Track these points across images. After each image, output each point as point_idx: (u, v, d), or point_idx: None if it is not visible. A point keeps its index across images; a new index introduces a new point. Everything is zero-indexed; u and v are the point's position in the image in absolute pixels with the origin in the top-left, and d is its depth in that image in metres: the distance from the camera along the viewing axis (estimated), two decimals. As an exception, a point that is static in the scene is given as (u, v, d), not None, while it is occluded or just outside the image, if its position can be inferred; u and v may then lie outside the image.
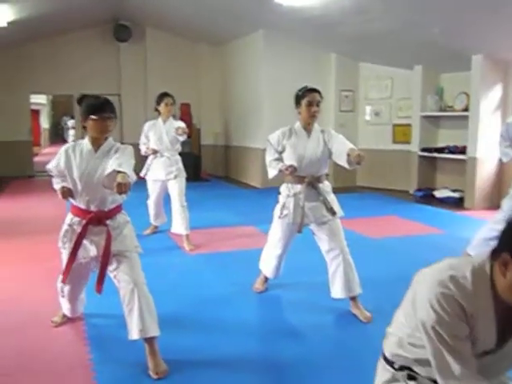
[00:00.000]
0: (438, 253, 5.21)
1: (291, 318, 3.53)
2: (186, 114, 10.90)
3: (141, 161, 5.65)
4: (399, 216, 7.00)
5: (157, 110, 5.43)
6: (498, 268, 1.49)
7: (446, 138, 8.61)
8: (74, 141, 3.18)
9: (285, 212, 3.55)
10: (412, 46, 7.79)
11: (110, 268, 2.83)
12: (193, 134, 11.15)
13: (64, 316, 3.30)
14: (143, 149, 5.50)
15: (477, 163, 7.55)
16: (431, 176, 8.85)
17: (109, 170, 2.56)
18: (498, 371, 1.70)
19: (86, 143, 2.83)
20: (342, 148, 3.31)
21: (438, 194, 8.42)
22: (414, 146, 8.78)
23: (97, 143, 2.82)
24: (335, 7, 6.98)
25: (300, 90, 3.52)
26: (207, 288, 4.04)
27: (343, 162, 3.30)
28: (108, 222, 2.83)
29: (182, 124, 5.37)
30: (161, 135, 5.38)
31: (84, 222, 2.82)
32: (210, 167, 11.77)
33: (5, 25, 7.89)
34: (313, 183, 3.50)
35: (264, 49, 9.53)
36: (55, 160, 2.87)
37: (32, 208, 7.58)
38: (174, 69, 11.43)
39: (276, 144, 3.63)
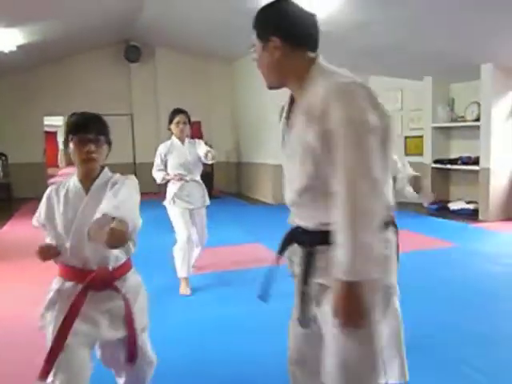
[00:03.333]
0: (448, 267, 5.11)
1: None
2: (196, 132, 10.92)
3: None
4: (411, 230, 6.83)
5: (169, 129, 4.63)
6: None
7: (458, 148, 8.46)
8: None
9: None
10: (420, 57, 7.68)
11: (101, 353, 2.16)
12: (204, 151, 11.17)
13: None
14: (160, 176, 4.55)
15: (490, 174, 7.38)
16: (445, 188, 8.68)
17: (97, 214, 1.81)
18: None
19: (73, 181, 2.07)
20: None
21: (452, 206, 8.24)
22: (427, 158, 8.63)
23: (88, 178, 2.05)
24: (337, 22, 6.91)
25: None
26: (196, 311, 3.97)
27: None
28: (116, 284, 2.06)
29: (208, 148, 4.59)
30: (186, 159, 4.56)
31: (81, 286, 1.98)
32: (223, 184, 11.75)
33: (14, 49, 8.01)
34: None
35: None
36: (38, 210, 2.12)
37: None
38: (184, 87, 11.49)
39: None
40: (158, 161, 4.57)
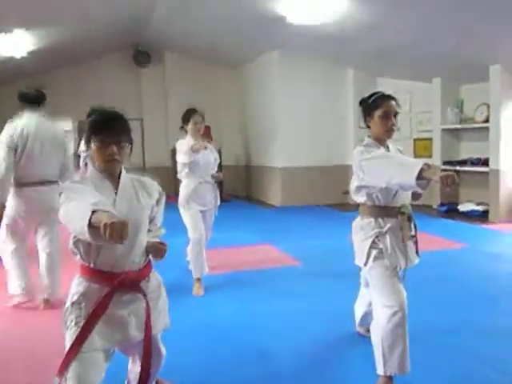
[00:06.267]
0: (459, 267, 5.11)
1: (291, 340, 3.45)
2: (206, 137, 10.97)
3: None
4: (421, 231, 6.82)
5: (183, 128, 4.55)
6: None
7: (468, 150, 8.46)
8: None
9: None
10: (429, 59, 7.70)
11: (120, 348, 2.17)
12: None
13: None
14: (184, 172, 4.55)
15: (500, 175, 7.38)
16: (455, 190, 8.66)
17: (154, 239, 2.12)
18: None
19: (95, 175, 2.02)
20: None
21: (462, 207, 8.24)
22: (436, 160, 8.63)
23: (111, 175, 2.03)
24: (347, 24, 6.96)
25: (369, 98, 2.70)
26: (209, 311, 3.99)
27: None
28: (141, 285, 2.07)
29: (217, 171, 4.76)
30: (209, 158, 4.59)
31: (107, 288, 1.95)
32: (232, 188, 11.78)
33: (25, 54, 8.10)
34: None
35: (279, 68, 9.58)
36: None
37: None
38: (193, 92, 11.54)
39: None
40: (185, 156, 4.37)
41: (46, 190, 3.92)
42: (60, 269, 4.10)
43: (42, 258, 4.05)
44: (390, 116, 2.60)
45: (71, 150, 4.79)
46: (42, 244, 4.06)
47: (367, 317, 3.09)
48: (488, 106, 7.67)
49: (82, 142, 8.25)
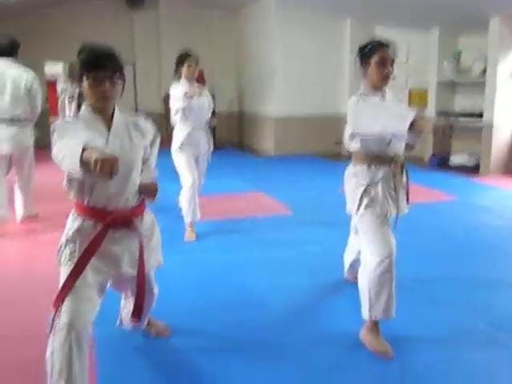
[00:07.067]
0: (449, 219, 5.19)
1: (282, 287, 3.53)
2: (200, 80, 10.79)
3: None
4: (412, 183, 6.87)
5: (177, 72, 4.47)
6: None
7: (462, 103, 8.43)
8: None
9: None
10: (428, 7, 7.53)
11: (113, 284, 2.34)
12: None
13: None
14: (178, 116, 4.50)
15: (493, 129, 7.38)
16: (447, 142, 8.68)
17: (147, 180, 2.13)
18: None
19: (87, 113, 2.00)
20: None
21: (453, 160, 8.27)
22: (430, 112, 8.59)
23: (103, 113, 2.01)
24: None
25: (367, 45, 2.67)
26: (200, 257, 4.04)
27: None
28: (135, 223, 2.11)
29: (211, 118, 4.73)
30: (203, 103, 4.54)
31: (101, 224, 1.99)
32: (225, 134, 11.70)
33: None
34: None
35: (276, 15, 9.35)
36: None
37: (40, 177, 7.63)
38: (187, 36, 11.27)
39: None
40: (179, 102, 4.36)
41: (15, 128, 4.51)
42: (32, 191, 4.88)
43: (17, 185, 4.81)
44: (386, 63, 2.58)
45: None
46: (17, 175, 4.77)
47: (355, 264, 3.16)
48: (485, 59, 7.58)
49: (63, 85, 8.03)
